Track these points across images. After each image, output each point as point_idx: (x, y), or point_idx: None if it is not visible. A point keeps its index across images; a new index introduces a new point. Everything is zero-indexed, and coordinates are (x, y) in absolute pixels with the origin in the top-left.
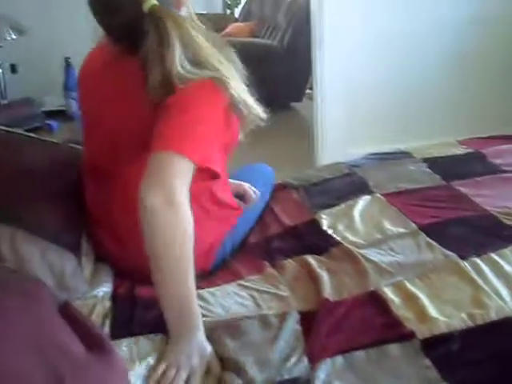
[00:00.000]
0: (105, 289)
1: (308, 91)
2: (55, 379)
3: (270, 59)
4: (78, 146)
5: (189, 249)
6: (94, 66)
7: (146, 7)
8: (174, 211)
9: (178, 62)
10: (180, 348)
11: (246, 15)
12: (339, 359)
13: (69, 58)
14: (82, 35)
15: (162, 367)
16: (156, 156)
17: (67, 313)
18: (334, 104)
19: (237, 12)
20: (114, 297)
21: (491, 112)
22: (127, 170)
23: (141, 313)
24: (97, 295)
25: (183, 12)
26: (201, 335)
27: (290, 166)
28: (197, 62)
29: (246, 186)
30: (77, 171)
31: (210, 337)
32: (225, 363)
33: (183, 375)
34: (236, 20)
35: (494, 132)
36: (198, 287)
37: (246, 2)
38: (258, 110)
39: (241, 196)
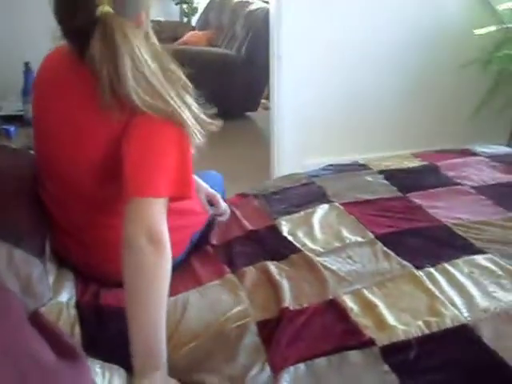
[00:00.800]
0: (69, 295)
1: (263, 101)
2: None
3: (226, 68)
4: None
5: (165, 287)
6: (51, 70)
7: (98, 11)
8: (158, 252)
9: (132, 87)
10: None
11: (203, 24)
12: (301, 367)
13: (28, 63)
14: (41, 40)
15: None
16: (133, 201)
17: (37, 321)
18: (290, 115)
19: (194, 20)
20: (80, 304)
21: (442, 127)
22: (84, 179)
23: (108, 329)
24: (61, 301)
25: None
26: (164, 372)
27: (246, 176)
28: (148, 91)
29: (219, 197)
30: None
31: (174, 364)
32: None
33: None
34: (193, 28)
35: (443, 146)
36: None
37: (203, 11)
38: (206, 126)
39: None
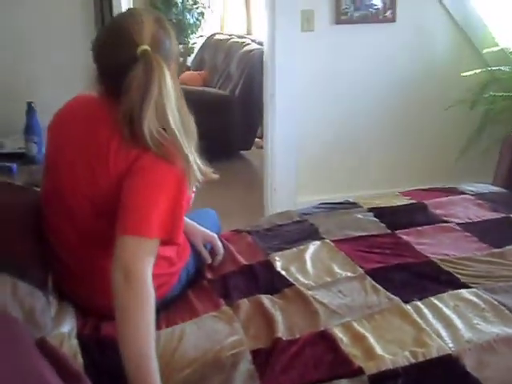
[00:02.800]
0: (70, 327)
1: (257, 140)
2: None
3: (221, 108)
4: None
5: (145, 322)
6: (71, 113)
7: (139, 50)
8: (133, 290)
9: (149, 120)
10: None
11: (198, 64)
12: None
13: (31, 103)
14: (44, 81)
15: None
16: (120, 238)
17: (43, 347)
18: (282, 153)
19: (189, 60)
20: (80, 336)
21: (430, 166)
22: (81, 213)
23: (109, 359)
24: (63, 332)
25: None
26: None
27: (240, 213)
28: (162, 125)
29: (216, 238)
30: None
31: None
32: None
33: None
34: (188, 68)
35: (431, 184)
36: (158, 327)
37: (198, 51)
38: (205, 172)
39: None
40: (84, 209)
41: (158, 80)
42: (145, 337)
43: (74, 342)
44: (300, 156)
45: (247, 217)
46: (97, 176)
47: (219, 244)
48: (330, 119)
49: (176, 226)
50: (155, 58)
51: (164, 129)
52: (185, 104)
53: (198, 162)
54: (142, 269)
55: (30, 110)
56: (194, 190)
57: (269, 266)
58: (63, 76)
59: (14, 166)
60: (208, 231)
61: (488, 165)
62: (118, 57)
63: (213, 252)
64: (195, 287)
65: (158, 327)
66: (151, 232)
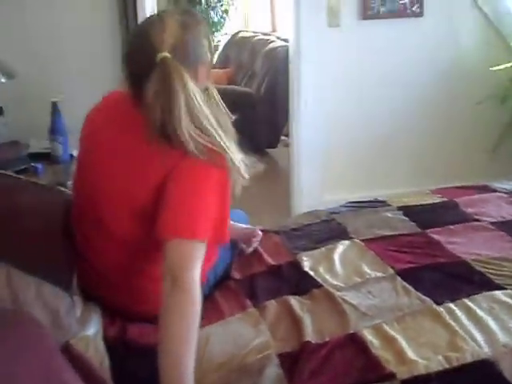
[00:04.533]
0: (95, 329)
1: (283, 138)
2: None
3: (247, 106)
4: (65, 189)
5: (190, 328)
6: (104, 113)
7: (158, 57)
8: (179, 296)
9: (185, 127)
10: None
11: (223, 61)
12: None
13: (56, 102)
14: (69, 80)
15: None
16: (171, 243)
17: (68, 352)
18: (309, 151)
19: (214, 58)
20: (107, 338)
21: (460, 163)
22: (126, 223)
23: (136, 365)
24: (88, 335)
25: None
26: None
27: (266, 212)
28: (200, 133)
29: (257, 229)
30: (66, 211)
31: None
32: None
33: None
34: (214, 66)
35: (461, 182)
36: None
37: (223, 49)
38: (246, 173)
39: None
40: (119, 217)
41: (178, 88)
42: (186, 346)
43: (101, 344)
44: (327, 154)
45: (273, 216)
46: (136, 184)
47: (260, 233)
48: (357, 116)
49: (224, 225)
50: (173, 65)
51: (202, 131)
52: (220, 104)
53: (242, 160)
54: (191, 274)
55: (55, 109)
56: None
57: (297, 266)
58: (88, 76)
59: (40, 166)
60: (246, 226)
61: None
62: (139, 63)
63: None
64: (222, 288)
65: None
66: (200, 234)
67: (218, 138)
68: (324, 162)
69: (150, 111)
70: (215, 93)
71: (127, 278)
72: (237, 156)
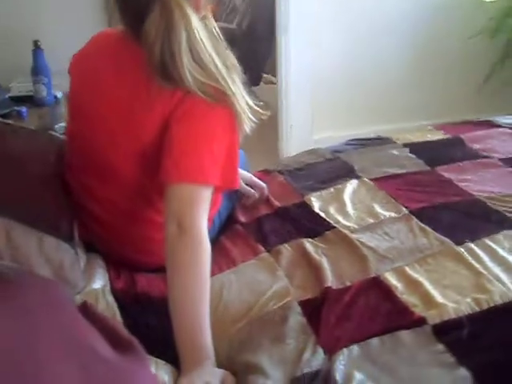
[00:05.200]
0: (103, 282)
1: (265, 75)
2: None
3: (228, 42)
4: (56, 133)
5: (201, 277)
6: (97, 53)
7: None
8: (186, 242)
9: (186, 64)
10: (191, 379)
11: None
12: (355, 348)
13: (38, 41)
14: (51, 18)
15: None
16: (175, 188)
17: (88, 313)
18: (298, 88)
19: None
20: (116, 292)
21: (450, 97)
22: (128, 168)
23: (149, 319)
24: (96, 289)
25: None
26: (211, 364)
27: (255, 152)
28: (202, 71)
29: (254, 178)
30: (61, 158)
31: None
32: (240, 368)
33: None
34: None
35: (451, 117)
36: None
37: None
38: (255, 114)
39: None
40: (122, 161)
41: (180, 23)
42: (200, 295)
43: (110, 298)
44: (316, 91)
45: (263, 155)
46: (139, 125)
47: (259, 183)
48: (347, 51)
49: (233, 170)
50: (176, 2)
51: (204, 70)
52: (220, 39)
53: (248, 99)
54: (199, 220)
55: (37, 49)
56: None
57: (306, 207)
58: (71, 16)
59: (24, 109)
60: (245, 173)
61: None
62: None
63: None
64: (228, 232)
65: None
66: (207, 178)
67: (221, 79)
68: (313, 99)
69: (150, 49)
70: (214, 24)
71: (131, 228)
72: (241, 98)
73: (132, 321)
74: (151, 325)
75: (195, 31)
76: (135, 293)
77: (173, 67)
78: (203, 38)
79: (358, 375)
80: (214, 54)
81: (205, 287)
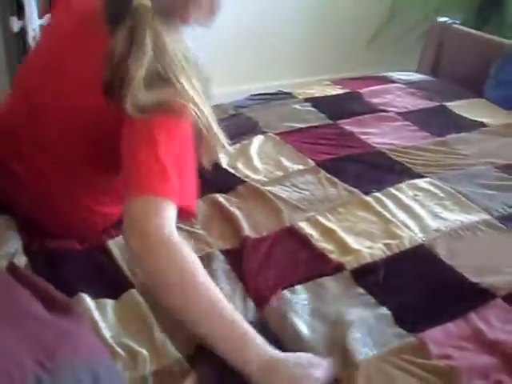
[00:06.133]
0: (15, 245)
1: None
2: (41, 349)
3: None
4: None
5: (197, 281)
6: (72, 28)
7: (135, 2)
8: (155, 247)
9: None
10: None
11: None
12: (284, 297)
13: None
14: None
15: None
16: (130, 202)
17: (17, 274)
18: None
19: None
20: (28, 252)
21: (340, 54)
22: (65, 147)
23: (61, 273)
24: (9, 252)
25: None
26: (268, 350)
27: None
28: (163, 77)
29: None
30: None
31: None
32: None
33: None
34: None
35: (342, 73)
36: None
37: None
38: (222, 138)
39: None
40: (66, 138)
41: (145, 47)
42: (210, 296)
43: (23, 258)
44: (211, 46)
45: None
46: (82, 108)
47: None
48: (242, 5)
49: (187, 191)
50: (147, 17)
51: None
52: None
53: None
54: (160, 226)
55: None
56: None
57: (213, 164)
58: None
59: None
60: None
61: (399, 53)
62: (114, 6)
63: None
64: None
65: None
66: (157, 190)
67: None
68: (209, 53)
69: (107, 61)
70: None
71: (66, 206)
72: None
73: (44, 275)
74: (61, 276)
75: (163, 51)
76: (47, 250)
77: (122, 92)
78: (174, 59)
79: (290, 323)
80: (181, 70)
81: (210, 284)
